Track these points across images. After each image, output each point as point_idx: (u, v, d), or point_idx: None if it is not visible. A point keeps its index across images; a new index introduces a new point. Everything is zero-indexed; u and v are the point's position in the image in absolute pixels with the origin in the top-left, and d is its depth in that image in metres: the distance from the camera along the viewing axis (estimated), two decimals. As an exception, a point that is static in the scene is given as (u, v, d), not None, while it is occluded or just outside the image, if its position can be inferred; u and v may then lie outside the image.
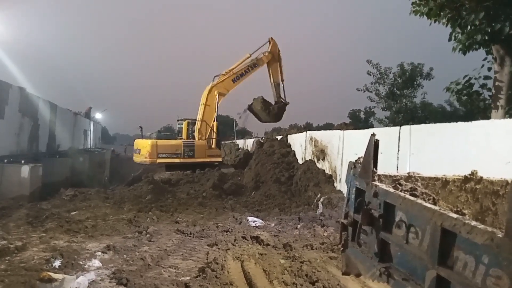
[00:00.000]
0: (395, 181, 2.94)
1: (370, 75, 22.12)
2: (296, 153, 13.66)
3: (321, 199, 9.04)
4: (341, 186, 9.29)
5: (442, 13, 7.12)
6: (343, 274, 3.23)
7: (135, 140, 16.92)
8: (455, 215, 1.82)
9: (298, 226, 7.41)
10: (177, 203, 10.13)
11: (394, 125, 11.61)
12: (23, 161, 10.58)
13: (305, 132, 13.37)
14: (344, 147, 9.48)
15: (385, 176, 3.12)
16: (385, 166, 3.80)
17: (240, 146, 25.57)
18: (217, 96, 15.85)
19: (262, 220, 8.21)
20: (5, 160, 10.42)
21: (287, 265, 4.84)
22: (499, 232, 1.54)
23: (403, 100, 22.18)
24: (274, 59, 16.76)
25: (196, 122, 16.35)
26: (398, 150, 6.86)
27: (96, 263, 4.89)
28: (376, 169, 2.82)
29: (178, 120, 18.17)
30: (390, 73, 22.05)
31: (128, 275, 4.35)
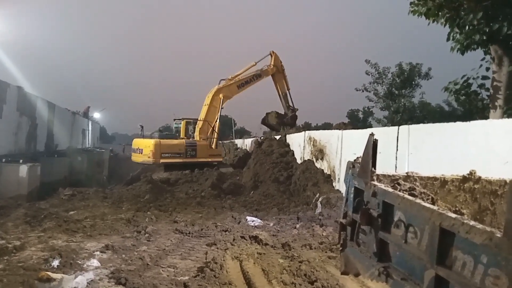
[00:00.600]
0: (393, 180, 2.95)
1: (369, 75, 22.19)
2: (294, 153, 13.66)
3: (320, 199, 9.04)
4: (340, 185, 9.30)
5: (440, 13, 7.13)
6: (342, 273, 3.24)
7: (134, 140, 16.73)
8: (453, 215, 1.83)
9: (297, 226, 7.42)
10: (176, 202, 10.12)
11: (392, 125, 11.62)
12: (21, 161, 10.54)
13: (303, 132, 13.37)
14: (343, 147, 9.48)
15: (384, 175, 3.12)
16: (383, 166, 3.80)
17: (238, 145, 25.52)
18: (222, 99, 16.20)
19: (260, 219, 8.22)
20: (3, 160, 10.37)
21: (286, 264, 4.84)
22: (498, 232, 1.55)
23: (401, 100, 22.20)
24: (278, 71, 17.67)
25: (198, 121, 16.42)
26: (397, 150, 6.87)
27: (94, 262, 4.88)
28: (375, 168, 2.83)
29: (174, 120, 18.15)
30: (388, 73, 22.13)
31: (127, 275, 4.35)
